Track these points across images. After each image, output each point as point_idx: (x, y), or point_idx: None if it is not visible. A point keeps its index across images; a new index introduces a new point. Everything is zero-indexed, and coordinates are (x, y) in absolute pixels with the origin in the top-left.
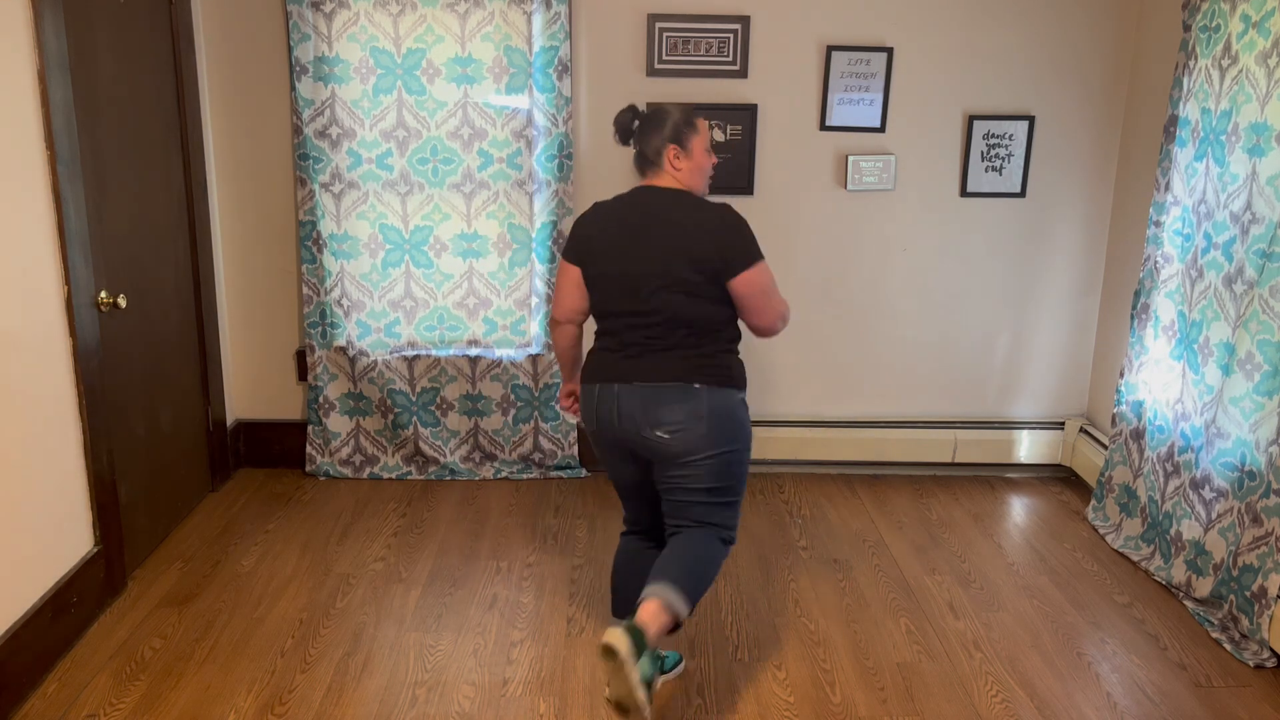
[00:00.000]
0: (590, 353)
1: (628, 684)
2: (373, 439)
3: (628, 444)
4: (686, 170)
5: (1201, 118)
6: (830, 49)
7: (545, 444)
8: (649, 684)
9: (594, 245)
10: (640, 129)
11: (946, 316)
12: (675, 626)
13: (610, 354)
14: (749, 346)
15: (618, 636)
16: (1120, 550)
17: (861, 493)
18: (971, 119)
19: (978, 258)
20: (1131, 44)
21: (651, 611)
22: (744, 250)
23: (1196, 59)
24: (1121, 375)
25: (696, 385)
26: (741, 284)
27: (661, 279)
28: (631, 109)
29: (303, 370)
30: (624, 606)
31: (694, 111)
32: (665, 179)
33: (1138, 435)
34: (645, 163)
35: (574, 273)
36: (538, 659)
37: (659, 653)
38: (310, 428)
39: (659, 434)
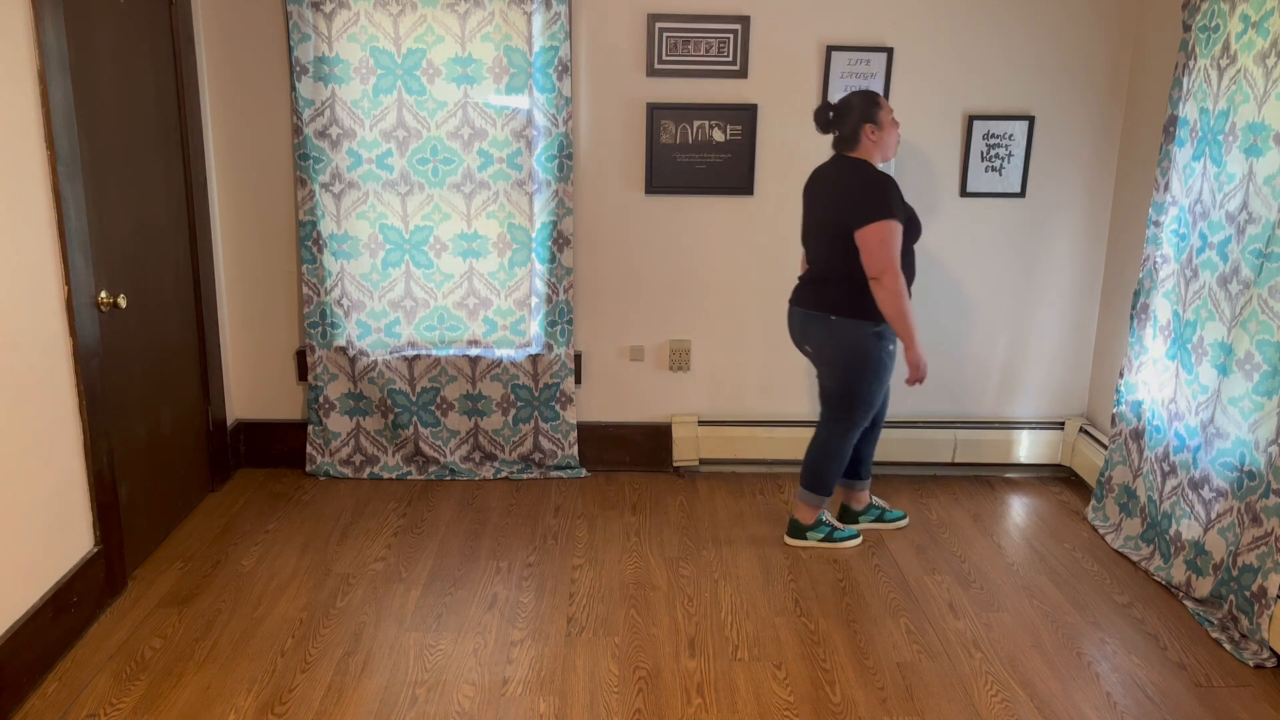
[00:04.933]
0: None
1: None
2: (373, 439)
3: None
4: (880, 140)
5: (1200, 118)
6: (830, 49)
7: (545, 444)
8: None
9: (804, 198)
10: (835, 117)
11: (946, 316)
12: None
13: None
14: (742, 343)
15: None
16: (1120, 550)
17: None
18: (971, 119)
19: (978, 258)
20: (1131, 44)
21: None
22: (864, 209)
23: (1196, 59)
24: (1121, 375)
25: (832, 317)
26: (858, 237)
27: (816, 227)
28: (826, 104)
29: (303, 370)
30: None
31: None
32: (858, 150)
33: (1137, 435)
34: (842, 141)
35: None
36: (538, 659)
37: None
38: (310, 428)
39: (806, 347)
